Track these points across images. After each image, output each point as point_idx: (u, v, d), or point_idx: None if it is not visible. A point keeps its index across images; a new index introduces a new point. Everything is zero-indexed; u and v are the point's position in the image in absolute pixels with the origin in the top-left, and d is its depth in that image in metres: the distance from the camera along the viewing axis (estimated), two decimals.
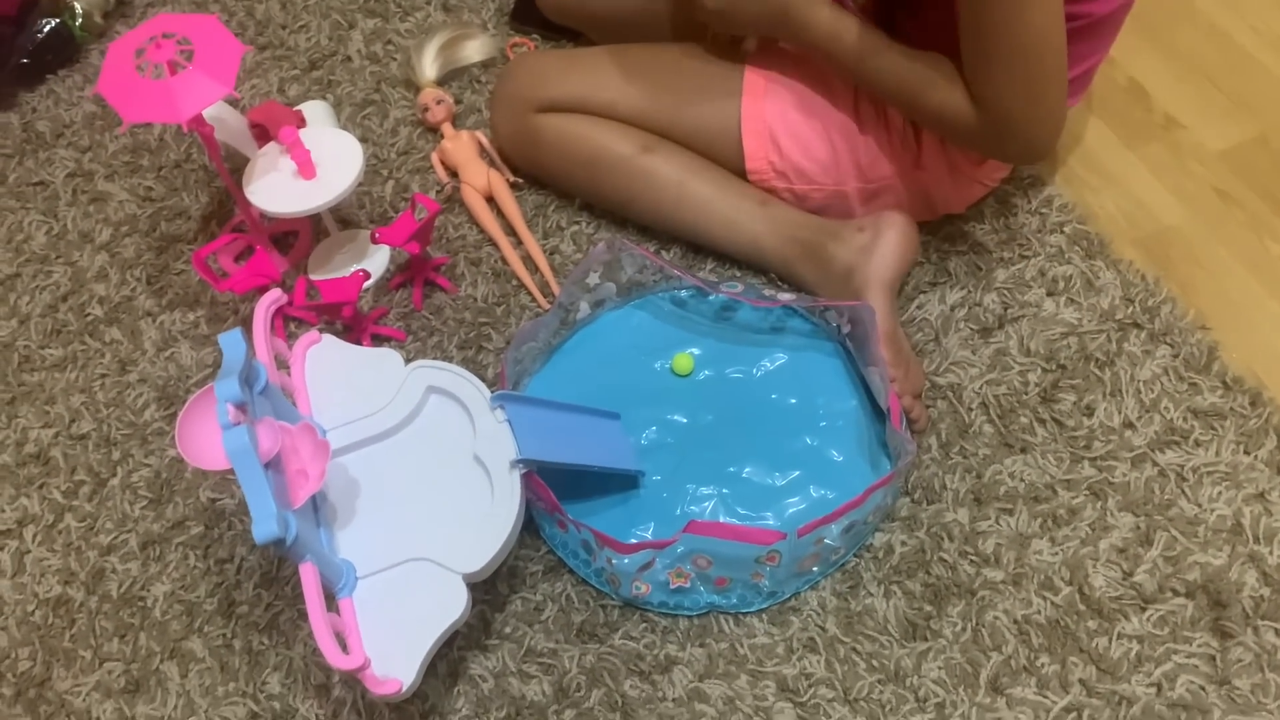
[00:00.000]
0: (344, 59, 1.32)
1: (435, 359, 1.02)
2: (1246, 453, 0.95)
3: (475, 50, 1.29)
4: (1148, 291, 1.05)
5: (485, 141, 1.20)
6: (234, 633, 0.93)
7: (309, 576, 0.77)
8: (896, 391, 0.94)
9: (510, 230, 1.15)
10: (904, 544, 0.93)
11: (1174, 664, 0.85)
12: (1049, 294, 1.06)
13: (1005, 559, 0.91)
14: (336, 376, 0.91)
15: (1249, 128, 1.18)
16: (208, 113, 1.00)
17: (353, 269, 1.11)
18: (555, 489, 0.87)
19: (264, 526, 0.73)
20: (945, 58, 0.92)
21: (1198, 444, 0.96)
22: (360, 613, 0.80)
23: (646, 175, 1.07)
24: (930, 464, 0.97)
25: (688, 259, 1.12)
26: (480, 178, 1.17)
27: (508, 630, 0.91)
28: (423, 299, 1.11)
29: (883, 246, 1.00)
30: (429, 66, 1.25)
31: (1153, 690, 0.85)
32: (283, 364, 0.93)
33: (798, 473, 0.95)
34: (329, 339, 0.94)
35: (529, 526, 0.94)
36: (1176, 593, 0.88)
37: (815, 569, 0.90)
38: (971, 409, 0.99)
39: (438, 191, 1.19)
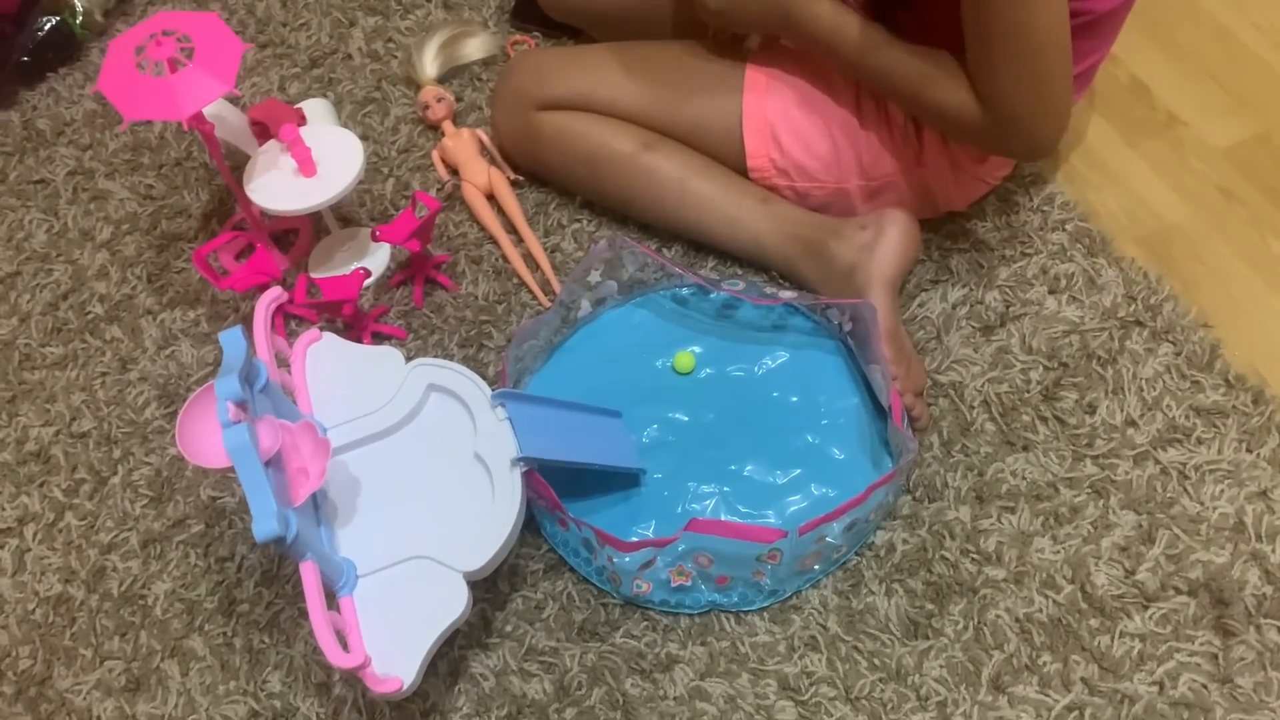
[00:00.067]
0: (345, 57, 1.32)
1: (436, 357, 1.02)
2: (1249, 451, 0.95)
3: (476, 48, 1.29)
4: (1150, 289, 1.05)
5: (486, 139, 1.20)
6: (235, 631, 0.93)
7: (309, 575, 0.77)
8: (898, 389, 0.94)
9: (511, 228, 1.15)
10: (906, 542, 0.92)
11: (1176, 662, 0.85)
12: (1051, 292, 1.05)
13: (1007, 557, 0.91)
14: (337, 374, 0.91)
15: (1251, 125, 1.18)
16: (208, 110, 1.00)
17: (353, 267, 1.11)
18: (556, 487, 0.86)
19: (264, 525, 0.72)
20: (948, 54, 0.92)
21: (1200, 442, 0.96)
22: (361, 611, 0.80)
23: (648, 173, 1.07)
24: (932, 462, 0.97)
25: (689, 257, 1.12)
26: (481, 175, 1.16)
27: (509, 628, 0.91)
28: (423, 297, 1.11)
29: (884, 244, 0.99)
30: (430, 64, 1.25)
31: (1155, 689, 0.84)
32: (283, 362, 0.93)
33: (799, 471, 0.95)
34: (329, 337, 0.94)
35: (530, 525, 0.94)
36: (1179, 591, 0.88)
37: (817, 567, 0.90)
38: (973, 407, 0.99)
39: (438, 189, 1.19)
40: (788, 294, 1.03)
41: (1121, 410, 0.98)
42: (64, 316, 1.14)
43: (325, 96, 1.27)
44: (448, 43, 1.27)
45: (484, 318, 1.09)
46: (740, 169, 1.07)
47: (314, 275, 1.12)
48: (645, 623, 0.91)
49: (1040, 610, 0.88)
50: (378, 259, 1.14)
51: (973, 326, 1.04)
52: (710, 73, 1.06)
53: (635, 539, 0.90)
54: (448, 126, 1.21)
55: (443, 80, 1.27)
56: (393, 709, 0.88)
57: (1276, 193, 1.12)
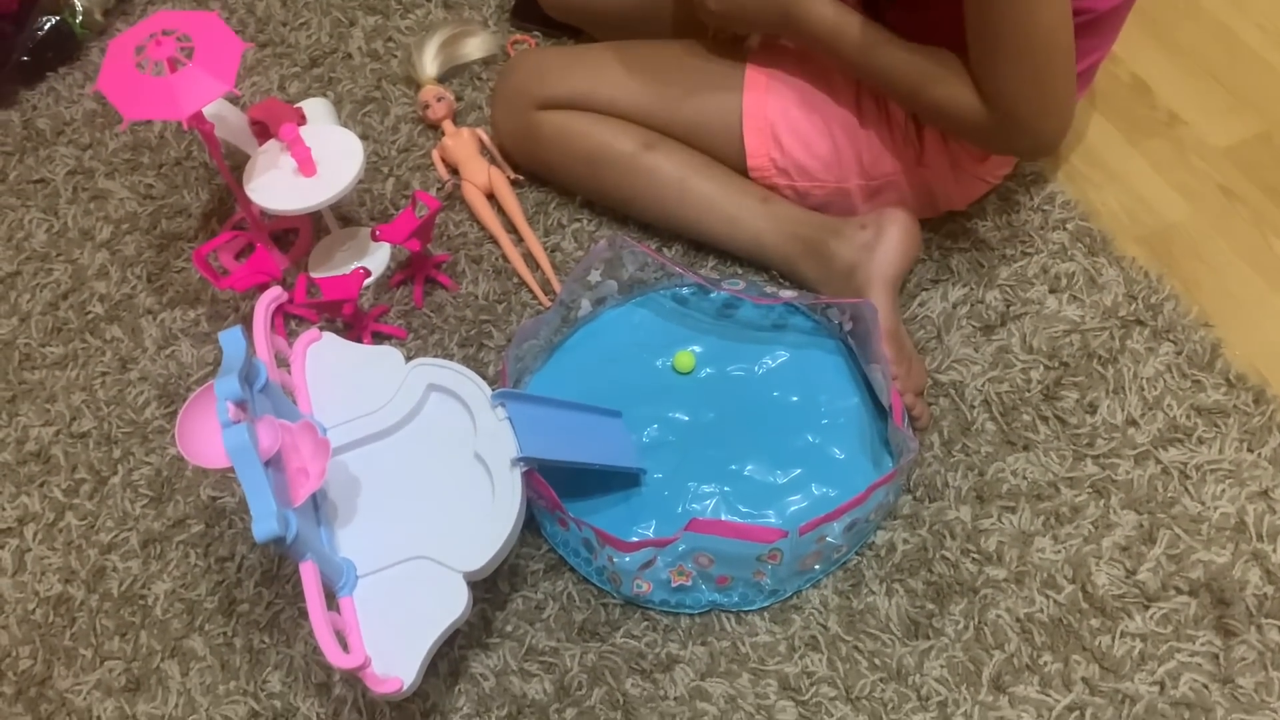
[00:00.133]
0: (344, 56, 1.32)
1: (436, 357, 1.02)
2: (1250, 450, 0.95)
3: (476, 47, 1.29)
4: (1150, 288, 1.04)
5: (486, 139, 1.20)
6: (235, 631, 0.93)
7: (309, 575, 0.77)
8: (898, 389, 0.94)
9: (511, 227, 1.15)
10: (906, 542, 0.92)
11: (1177, 662, 0.85)
12: (1051, 291, 1.05)
13: (1008, 557, 0.91)
14: (337, 374, 0.91)
15: (1252, 124, 1.18)
16: (208, 110, 1.00)
17: (353, 266, 1.11)
18: (556, 487, 0.86)
19: (264, 525, 0.72)
20: (950, 52, 0.91)
21: (1201, 441, 0.95)
22: (361, 611, 0.80)
23: (648, 172, 1.07)
24: (932, 462, 0.96)
25: (689, 256, 1.12)
26: (481, 175, 1.16)
27: (509, 629, 0.91)
28: (423, 296, 1.11)
29: (885, 243, 0.99)
30: (430, 63, 1.25)
31: (1156, 689, 0.84)
32: (283, 362, 0.93)
33: (799, 470, 0.95)
34: (329, 337, 0.94)
35: (530, 525, 0.94)
36: (1180, 591, 0.88)
37: (817, 567, 0.90)
38: (974, 406, 0.99)
39: (438, 189, 1.19)
40: (788, 293, 1.03)
41: (1122, 410, 0.98)
42: (64, 316, 1.14)
43: (325, 96, 1.27)
44: (448, 42, 1.27)
45: (484, 317, 1.09)
46: (740, 168, 1.06)
47: (314, 275, 1.12)
48: (645, 623, 0.91)
49: (1041, 610, 0.88)
50: (378, 259, 1.14)
51: (973, 326, 1.04)
52: (710, 72, 1.06)
53: (635, 539, 0.90)
54: (448, 126, 1.21)
55: (443, 80, 1.27)
56: (393, 709, 0.88)
57: (1277, 192, 1.12)
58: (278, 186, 1.04)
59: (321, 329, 0.94)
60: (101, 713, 0.90)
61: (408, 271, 1.12)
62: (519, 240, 1.14)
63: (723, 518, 0.93)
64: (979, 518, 0.93)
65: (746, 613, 0.90)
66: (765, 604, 0.90)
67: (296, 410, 0.89)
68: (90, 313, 1.13)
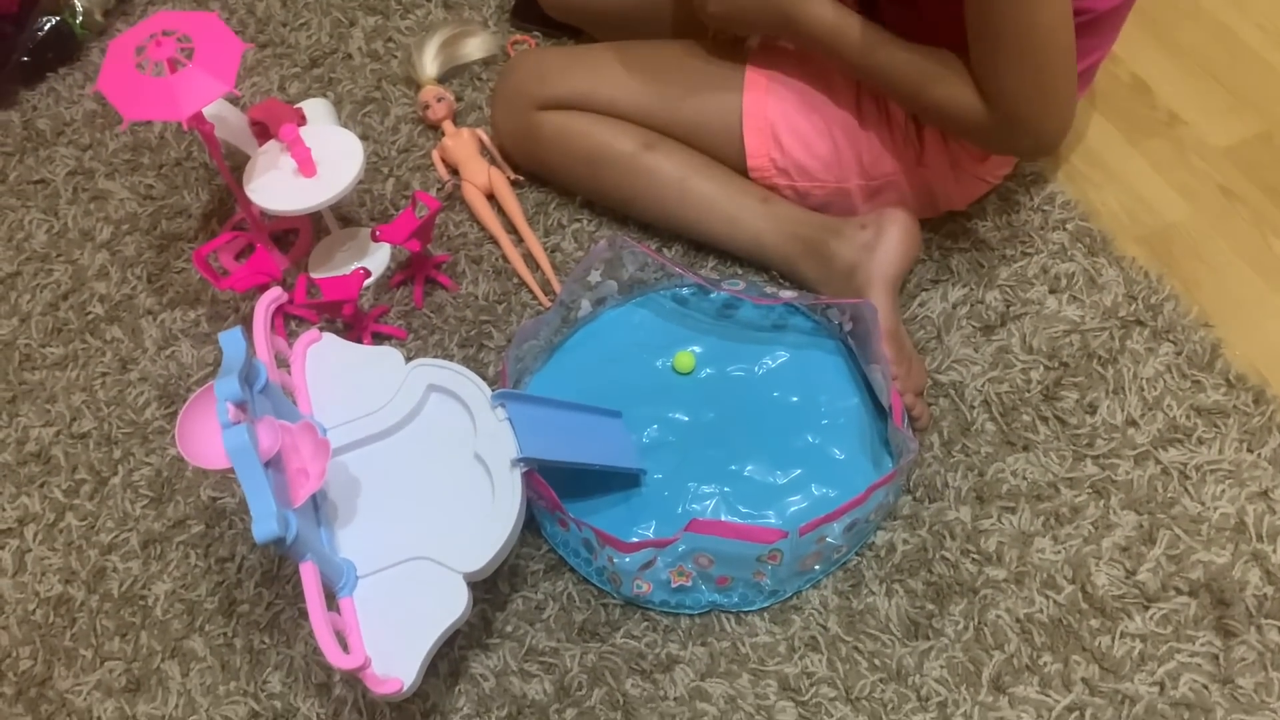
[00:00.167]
0: (345, 56, 1.32)
1: (436, 357, 1.02)
2: (1250, 451, 0.95)
3: (476, 47, 1.29)
4: (1150, 289, 1.04)
5: (486, 139, 1.20)
6: (235, 632, 0.93)
7: (309, 575, 0.77)
8: (898, 389, 0.94)
9: (511, 228, 1.15)
10: (906, 542, 0.92)
11: (1177, 663, 0.85)
12: (1051, 291, 1.05)
13: (1008, 557, 0.91)
14: (337, 375, 0.91)
15: (1252, 124, 1.18)
16: (208, 110, 1.00)
17: (353, 267, 1.11)
18: (556, 487, 0.86)
19: (264, 525, 0.72)
20: (950, 53, 0.91)
21: (1201, 442, 0.95)
22: (361, 612, 0.80)
23: (648, 173, 1.07)
24: (932, 462, 0.96)
25: (689, 256, 1.12)
26: (481, 175, 1.16)
27: (509, 629, 0.91)
28: (423, 297, 1.11)
29: (885, 244, 0.99)
30: (430, 64, 1.25)
31: (1155, 689, 0.84)
32: (283, 362, 0.93)
33: (799, 471, 0.95)
34: (329, 337, 0.94)
35: (530, 525, 0.94)
36: (1179, 591, 0.88)
37: (817, 567, 0.90)
38: (974, 407, 0.99)
39: (438, 189, 1.19)
40: (788, 294, 1.03)
41: (1122, 410, 0.98)
42: (64, 317, 1.14)
43: (325, 96, 1.27)
44: (448, 42, 1.27)
45: (484, 318, 1.09)
46: (740, 168, 1.06)
47: (314, 275, 1.12)
48: (645, 623, 0.91)
49: (1041, 610, 0.88)
50: (378, 259, 1.14)
51: (973, 326, 1.04)
52: (710, 73, 1.06)
53: (635, 539, 0.90)
54: (448, 126, 1.21)
55: (443, 80, 1.27)
56: (393, 710, 0.88)
57: (1277, 192, 1.12)
58: (278, 187, 1.04)
59: (321, 329, 0.94)
60: (102, 713, 0.90)
61: (408, 272, 1.12)
62: (519, 240, 1.14)
63: (723, 518, 0.93)
64: (979, 518, 0.93)
65: (746, 613, 0.90)
66: (765, 604, 0.90)
67: (296, 411, 0.89)
68: (90, 313, 1.13)
